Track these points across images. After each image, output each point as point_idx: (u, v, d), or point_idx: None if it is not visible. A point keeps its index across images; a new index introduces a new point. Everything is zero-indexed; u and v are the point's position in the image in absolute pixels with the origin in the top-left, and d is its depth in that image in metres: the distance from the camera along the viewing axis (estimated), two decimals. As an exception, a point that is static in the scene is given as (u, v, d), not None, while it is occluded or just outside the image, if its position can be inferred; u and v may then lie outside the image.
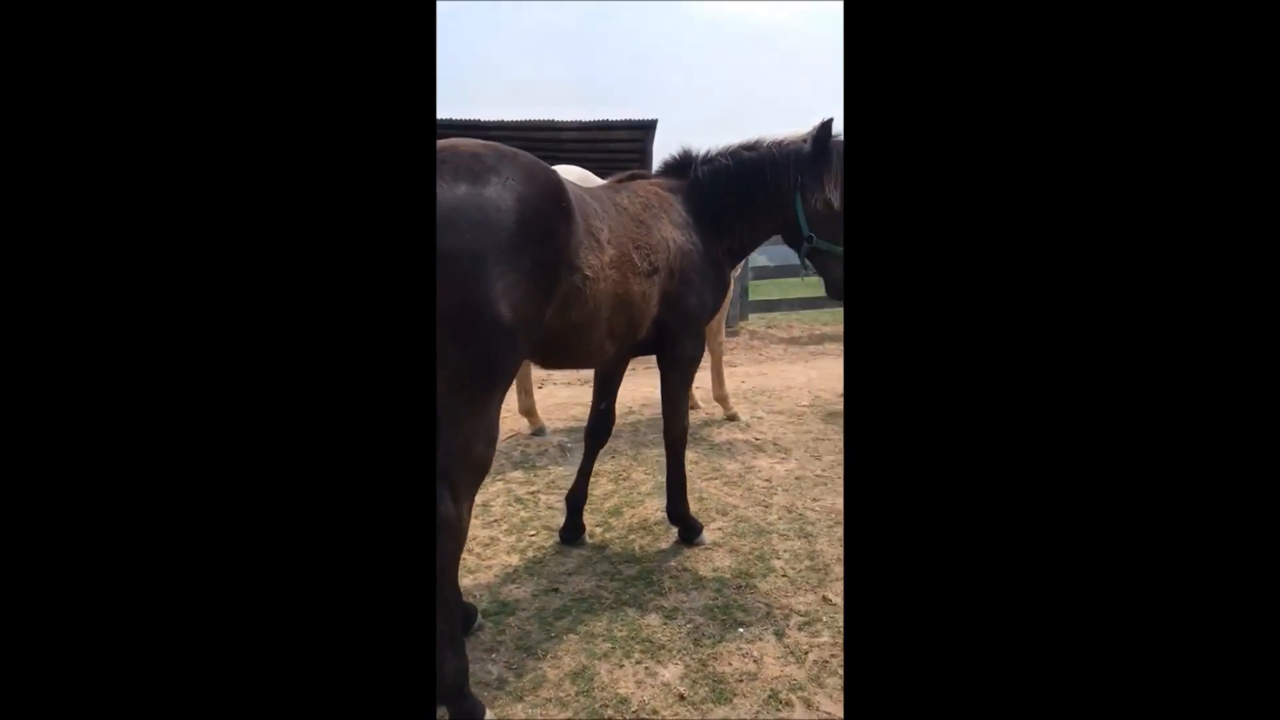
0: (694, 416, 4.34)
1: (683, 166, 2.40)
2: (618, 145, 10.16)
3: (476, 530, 2.75)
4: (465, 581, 2.37)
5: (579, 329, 1.92)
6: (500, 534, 2.73)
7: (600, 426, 2.58)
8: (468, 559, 2.53)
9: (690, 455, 3.67)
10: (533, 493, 3.13)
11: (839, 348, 7.40)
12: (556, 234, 1.71)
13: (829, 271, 2.38)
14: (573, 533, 2.63)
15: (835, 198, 2.29)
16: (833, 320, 8.96)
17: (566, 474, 3.35)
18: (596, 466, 3.39)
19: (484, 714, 1.67)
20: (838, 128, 2.31)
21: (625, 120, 9.51)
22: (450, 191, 1.52)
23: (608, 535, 2.74)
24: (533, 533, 2.74)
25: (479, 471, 1.67)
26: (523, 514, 2.91)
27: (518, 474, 3.35)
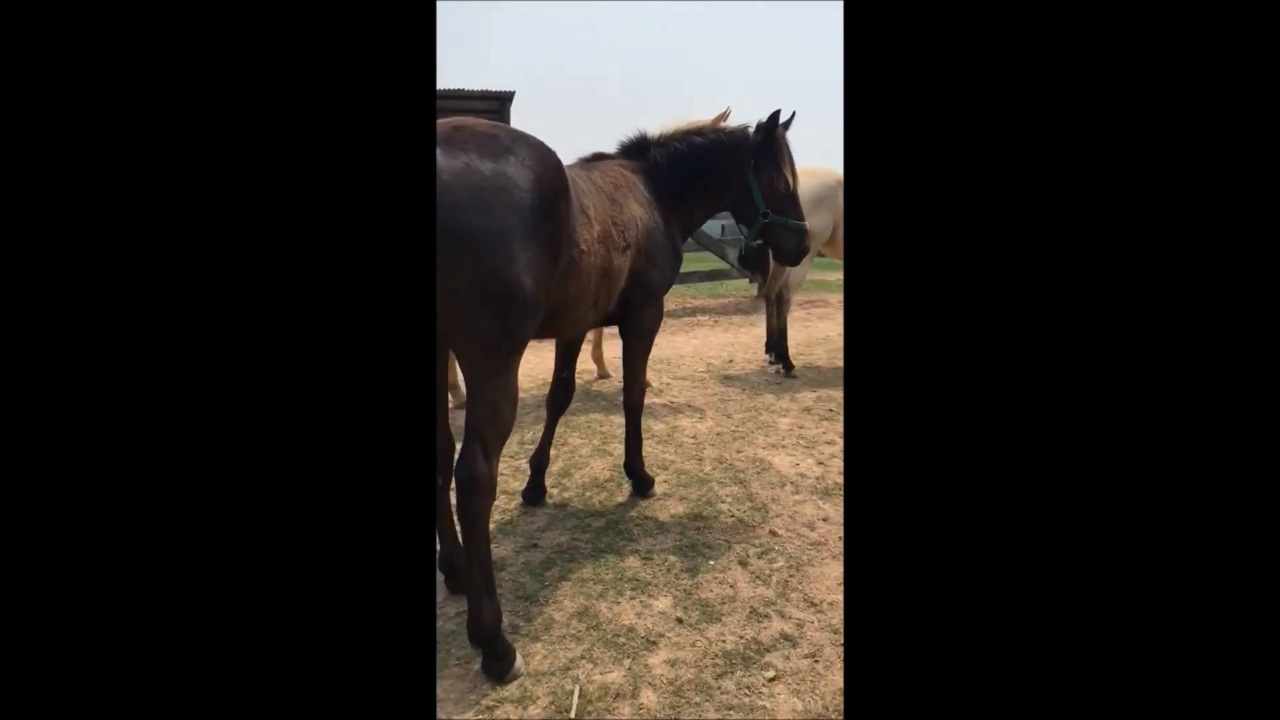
0: (613, 386, 4.58)
1: (640, 149, 2.60)
2: (473, 116, 9.80)
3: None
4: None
5: (572, 300, 2.08)
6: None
7: (563, 394, 2.74)
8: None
9: (620, 419, 3.91)
10: (477, 462, 3.21)
11: (710, 319, 7.94)
12: (560, 210, 1.86)
13: (783, 242, 2.72)
14: (536, 493, 2.78)
15: (791, 178, 2.63)
16: (698, 294, 9.51)
17: (504, 443, 3.46)
18: (528, 436, 3.54)
19: (515, 654, 1.83)
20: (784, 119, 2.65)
21: (481, 90, 9.10)
22: (476, 171, 1.61)
23: (565, 494, 2.91)
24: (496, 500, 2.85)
25: (506, 432, 1.80)
26: (475, 481, 3.00)
27: (455, 445, 3.40)
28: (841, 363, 5.39)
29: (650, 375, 4.83)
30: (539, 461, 2.78)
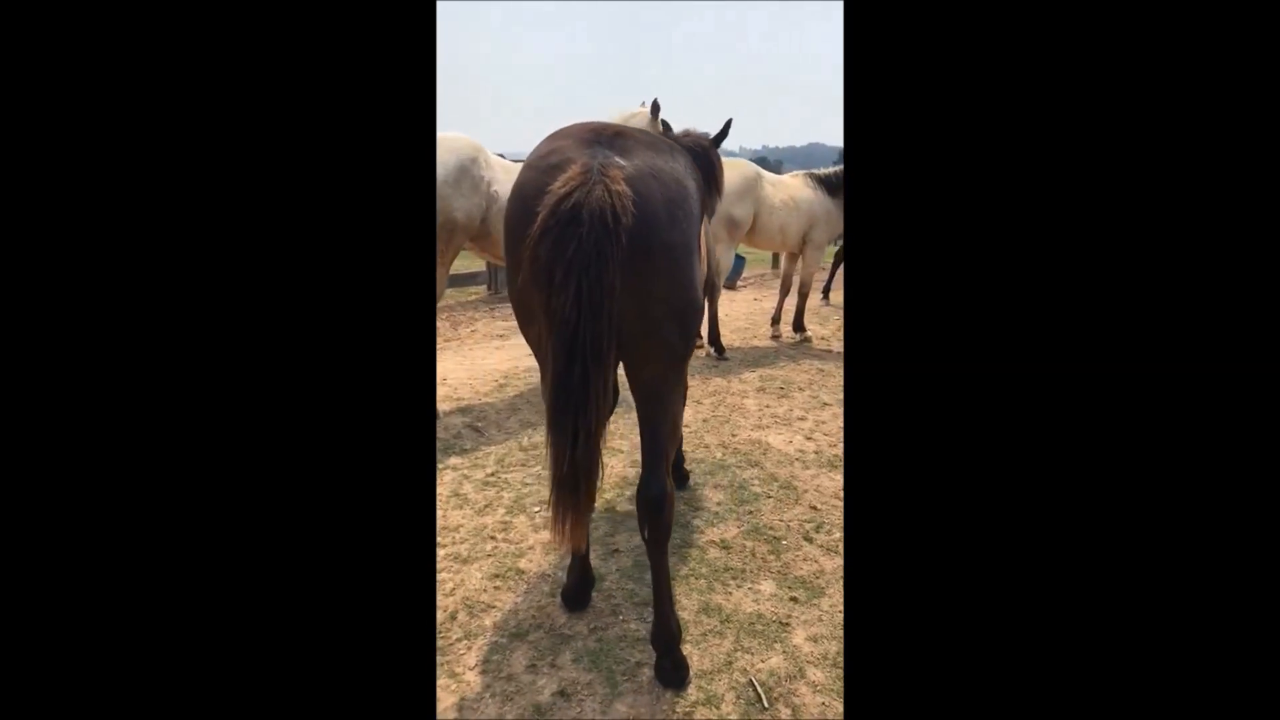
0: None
1: None
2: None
3: (479, 519, 2.67)
4: (523, 564, 2.37)
5: None
6: (505, 516, 2.70)
7: (612, 398, 2.74)
8: (501, 545, 2.49)
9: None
10: (492, 474, 3.07)
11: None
12: None
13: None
14: (585, 500, 2.76)
15: None
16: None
17: (504, 451, 3.33)
18: (538, 440, 3.46)
19: (686, 660, 1.87)
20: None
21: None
22: (662, 181, 1.58)
23: (604, 497, 2.91)
24: (536, 508, 2.77)
25: (680, 442, 1.82)
26: (505, 495, 2.88)
27: (455, 459, 3.21)
28: (754, 341, 5.78)
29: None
30: None
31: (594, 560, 2.42)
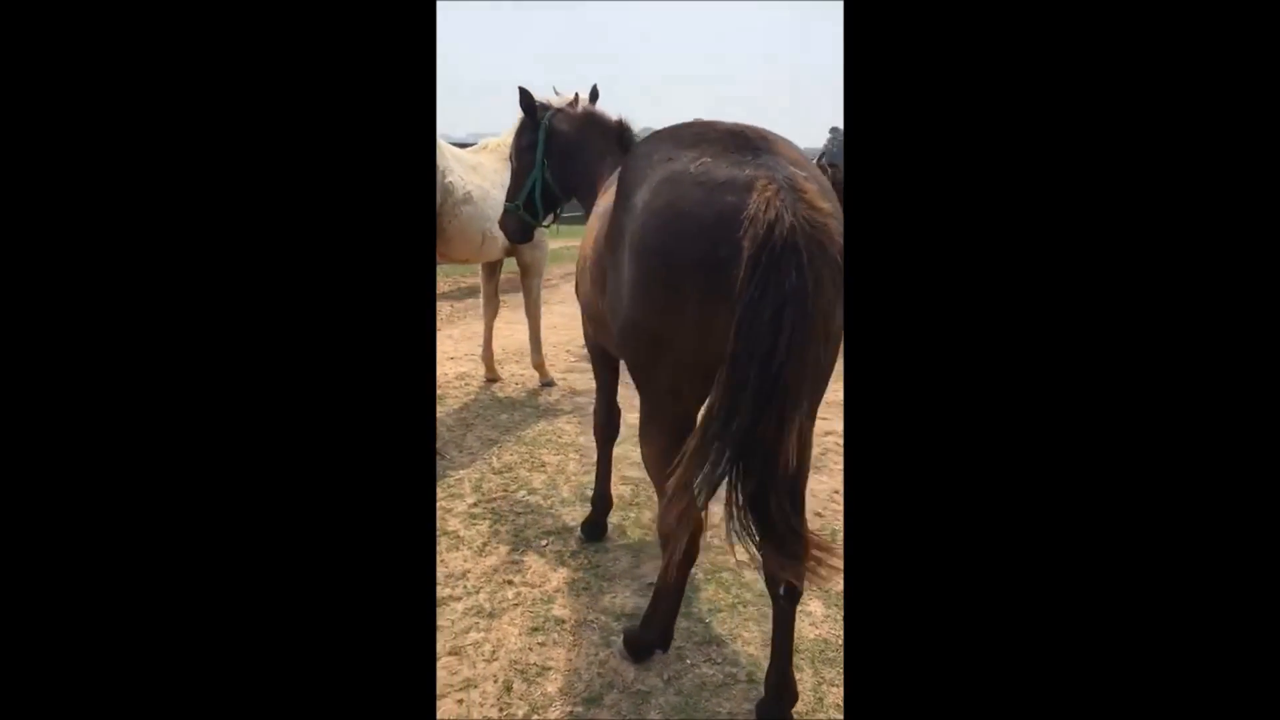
0: (522, 386, 4.19)
1: None
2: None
3: (482, 560, 2.37)
4: (558, 611, 2.13)
5: None
6: (511, 554, 2.42)
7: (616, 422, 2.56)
8: (524, 591, 2.23)
9: (570, 427, 3.65)
10: (475, 505, 2.75)
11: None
12: None
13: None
14: (597, 530, 2.55)
15: None
16: (470, 273, 8.93)
17: (478, 476, 3.01)
18: (508, 460, 3.17)
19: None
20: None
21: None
22: (831, 194, 1.40)
23: (610, 519, 2.70)
24: (544, 541, 2.51)
25: None
26: (501, 528, 2.59)
27: (425, 489, 2.84)
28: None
29: (515, 368, 4.60)
30: (604, 497, 2.54)
31: (630, 595, 2.23)
